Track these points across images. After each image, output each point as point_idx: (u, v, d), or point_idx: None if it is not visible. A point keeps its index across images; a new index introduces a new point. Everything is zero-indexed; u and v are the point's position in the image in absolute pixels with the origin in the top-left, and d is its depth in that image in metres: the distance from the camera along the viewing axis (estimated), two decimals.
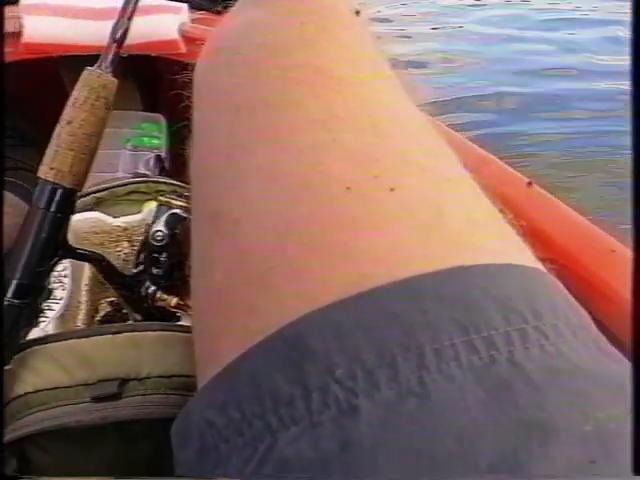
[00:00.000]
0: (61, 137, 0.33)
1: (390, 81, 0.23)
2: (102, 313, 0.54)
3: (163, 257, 0.43)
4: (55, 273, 0.46)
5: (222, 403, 0.18)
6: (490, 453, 0.14)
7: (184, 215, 0.42)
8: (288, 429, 0.16)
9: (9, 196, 0.68)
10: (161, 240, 0.42)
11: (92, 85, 0.34)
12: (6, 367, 0.34)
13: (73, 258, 0.37)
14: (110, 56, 0.35)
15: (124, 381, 0.36)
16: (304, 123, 0.21)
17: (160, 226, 0.42)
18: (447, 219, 0.19)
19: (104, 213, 0.54)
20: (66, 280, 0.48)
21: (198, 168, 0.25)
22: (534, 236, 0.21)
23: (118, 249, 0.54)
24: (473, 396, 0.15)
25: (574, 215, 0.43)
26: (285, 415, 0.16)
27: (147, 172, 0.73)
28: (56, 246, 0.34)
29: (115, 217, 0.54)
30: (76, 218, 0.48)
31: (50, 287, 0.45)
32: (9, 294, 0.32)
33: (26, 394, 0.35)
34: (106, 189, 0.56)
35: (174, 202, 0.43)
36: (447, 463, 0.15)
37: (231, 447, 0.17)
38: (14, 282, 0.33)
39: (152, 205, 0.51)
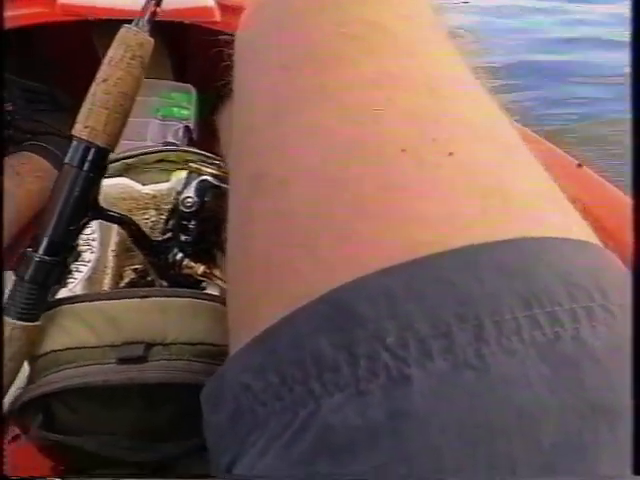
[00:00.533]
0: (96, 95, 0.33)
1: (446, 42, 0.22)
2: (126, 280, 0.54)
3: (192, 224, 0.42)
4: (84, 236, 0.46)
5: (259, 366, 0.17)
6: (553, 432, 0.14)
7: (214, 182, 0.42)
8: (332, 396, 0.16)
9: (40, 160, 0.69)
10: (190, 207, 0.41)
11: (129, 43, 0.33)
12: (35, 323, 0.34)
13: (104, 219, 0.37)
14: (147, 15, 0.35)
15: (149, 345, 0.36)
16: (356, 81, 0.19)
17: (190, 193, 0.42)
18: (508, 188, 0.18)
19: (133, 180, 0.53)
20: (94, 244, 0.48)
21: (239, 129, 0.24)
22: (585, 219, 0.20)
23: (145, 217, 0.54)
24: (536, 372, 0.14)
25: (623, 198, 0.41)
26: (329, 381, 0.16)
27: (175, 142, 0.73)
28: (87, 206, 0.34)
29: (144, 185, 0.54)
30: (105, 183, 0.48)
31: (79, 249, 0.45)
32: (41, 251, 0.33)
33: (54, 351, 0.35)
34: (135, 156, 0.55)
35: (204, 169, 0.43)
36: (505, 438, 0.14)
37: (269, 411, 0.17)
38: (45, 239, 0.33)
39: (181, 174, 0.50)
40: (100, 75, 0.33)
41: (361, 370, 0.15)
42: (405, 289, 0.16)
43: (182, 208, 0.42)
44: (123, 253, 0.53)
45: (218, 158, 0.50)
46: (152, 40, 0.35)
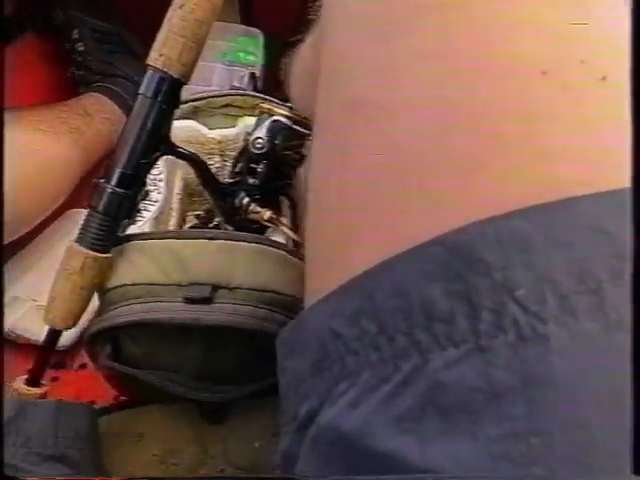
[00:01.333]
0: (172, 21, 0.31)
1: None
2: (189, 225, 0.54)
3: (260, 167, 0.41)
4: (151, 176, 0.46)
5: (353, 312, 0.16)
6: None
7: (287, 124, 0.40)
8: (444, 350, 0.14)
9: (109, 103, 0.69)
10: (261, 148, 0.40)
11: None
12: (106, 255, 0.34)
13: (175, 155, 0.36)
14: None
15: (215, 287, 0.36)
16: None
17: (261, 133, 0.40)
18: None
19: (200, 124, 0.53)
20: (161, 185, 0.48)
21: (330, 52, 0.21)
22: None
23: (210, 162, 0.53)
24: None
25: None
26: (441, 333, 0.14)
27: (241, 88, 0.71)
28: (159, 139, 0.33)
29: (210, 129, 0.53)
30: (174, 125, 0.48)
31: (147, 189, 0.45)
32: (113, 182, 0.32)
33: (124, 286, 0.35)
34: (204, 98, 0.54)
35: (276, 110, 0.41)
36: None
37: (361, 361, 0.15)
38: (118, 171, 0.32)
39: (247, 120, 0.49)
40: (177, 1, 0.31)
41: (483, 324, 0.14)
42: (545, 235, 0.14)
43: (252, 150, 0.41)
44: (187, 198, 0.53)
45: (287, 103, 0.48)
46: None
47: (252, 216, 0.41)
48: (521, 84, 0.15)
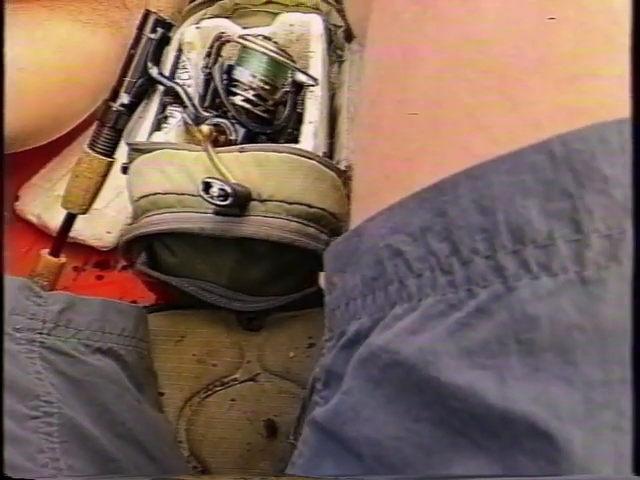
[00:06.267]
0: None
1: None
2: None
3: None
4: (180, 81, 0.43)
5: (420, 229, 0.14)
6: None
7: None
8: (537, 279, 0.12)
9: None
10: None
11: None
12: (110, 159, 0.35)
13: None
14: None
15: (247, 199, 0.35)
16: None
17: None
18: None
19: (234, 23, 0.49)
20: (190, 90, 0.46)
21: None
22: None
23: None
24: None
25: None
26: (533, 259, 0.12)
27: None
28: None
29: (245, 27, 0.49)
30: (205, 24, 0.45)
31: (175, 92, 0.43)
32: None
33: (156, 194, 0.35)
34: None
35: (322, 5, 0.37)
36: None
37: (426, 284, 0.14)
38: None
39: (285, 17, 0.45)
40: None
41: (591, 251, 0.11)
42: None
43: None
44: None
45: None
46: None
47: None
48: None
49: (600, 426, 0.11)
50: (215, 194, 0.31)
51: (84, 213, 0.40)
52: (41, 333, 0.30)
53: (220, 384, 0.40)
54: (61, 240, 0.41)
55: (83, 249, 0.52)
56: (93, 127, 0.39)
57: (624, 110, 0.11)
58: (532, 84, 0.13)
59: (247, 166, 0.35)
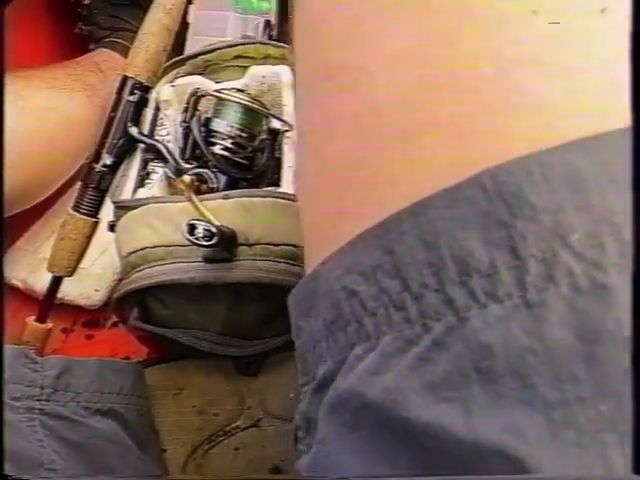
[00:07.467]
0: None
1: None
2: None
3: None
4: (159, 137, 0.45)
5: (371, 268, 0.14)
6: None
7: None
8: (485, 307, 0.12)
9: (119, 58, 0.68)
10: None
11: None
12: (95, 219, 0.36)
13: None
14: None
15: (234, 245, 0.35)
16: None
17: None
18: None
19: (207, 78, 0.51)
20: (170, 145, 0.47)
21: (304, 14, 0.19)
22: None
23: None
24: None
25: None
26: (480, 288, 0.12)
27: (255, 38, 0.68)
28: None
29: (217, 82, 0.51)
30: (180, 82, 0.46)
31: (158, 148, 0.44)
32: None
33: (145, 249, 0.36)
34: (213, 50, 0.52)
35: (289, 56, 0.39)
36: None
37: (381, 322, 0.14)
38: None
39: (255, 70, 0.47)
40: None
41: (531, 276, 0.12)
42: (600, 171, 0.12)
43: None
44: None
45: None
46: None
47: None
48: (506, 27, 0.13)
49: (564, 445, 0.11)
50: (200, 235, 0.32)
51: (70, 275, 0.40)
52: (40, 400, 0.30)
53: (223, 434, 0.40)
54: (48, 304, 0.41)
55: (71, 309, 0.52)
56: (75, 188, 0.40)
57: (507, 156, 0.13)
58: (426, 142, 0.14)
59: (232, 212, 0.35)
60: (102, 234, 0.39)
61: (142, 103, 0.39)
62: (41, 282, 0.49)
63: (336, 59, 0.17)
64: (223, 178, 0.39)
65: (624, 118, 0.12)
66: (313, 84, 0.19)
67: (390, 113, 0.15)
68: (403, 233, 0.14)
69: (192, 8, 0.64)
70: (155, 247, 0.36)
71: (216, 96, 0.40)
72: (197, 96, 0.41)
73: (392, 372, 0.14)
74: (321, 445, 0.16)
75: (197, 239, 0.32)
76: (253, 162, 0.42)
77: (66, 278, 0.40)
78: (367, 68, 0.16)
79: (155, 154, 0.39)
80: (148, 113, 0.43)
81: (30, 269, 0.53)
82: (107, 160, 0.38)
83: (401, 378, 0.13)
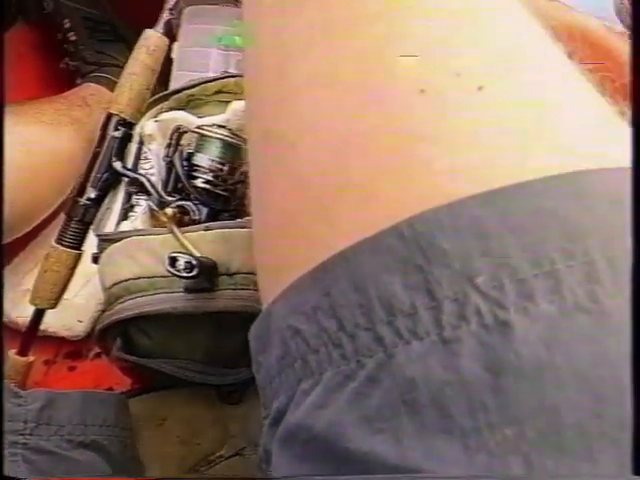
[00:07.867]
0: None
1: None
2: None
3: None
4: (143, 170, 0.46)
5: (311, 309, 0.16)
6: None
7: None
8: (408, 344, 0.14)
9: (105, 92, 0.69)
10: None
11: None
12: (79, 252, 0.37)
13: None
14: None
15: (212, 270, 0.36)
16: (362, 15, 0.16)
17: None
18: (550, 124, 0.15)
19: (190, 113, 0.53)
20: (153, 179, 0.49)
21: (248, 82, 0.21)
22: None
23: None
24: None
25: None
26: (403, 327, 0.14)
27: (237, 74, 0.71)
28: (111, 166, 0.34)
29: (199, 117, 0.53)
30: (163, 117, 0.48)
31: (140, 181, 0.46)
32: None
33: (127, 280, 0.36)
34: (194, 86, 0.54)
35: None
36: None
37: (323, 359, 0.15)
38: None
39: (237, 105, 0.48)
40: None
41: (445, 315, 0.13)
42: (499, 220, 0.13)
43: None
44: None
45: None
46: None
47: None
48: (400, 105, 0.15)
49: (477, 469, 0.12)
50: (181, 267, 0.33)
51: (53, 307, 0.40)
52: (23, 434, 0.30)
53: (206, 463, 0.40)
54: (30, 337, 0.41)
55: (53, 341, 0.52)
56: (58, 220, 0.41)
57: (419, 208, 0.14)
58: (341, 202, 0.16)
59: (213, 243, 0.36)
60: (85, 265, 0.40)
61: (126, 139, 0.40)
62: (24, 314, 0.49)
63: (269, 128, 0.18)
64: (205, 210, 0.40)
65: (510, 177, 0.14)
66: (254, 150, 0.20)
67: (308, 184, 0.16)
68: (337, 276, 0.15)
69: (176, 45, 0.66)
70: (138, 279, 0.36)
71: (198, 133, 0.42)
72: (180, 132, 0.43)
73: (334, 406, 0.15)
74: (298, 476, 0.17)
75: (178, 271, 0.33)
76: (234, 194, 0.43)
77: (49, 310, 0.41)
78: (292, 138, 0.17)
79: (139, 187, 0.40)
80: (132, 147, 0.44)
81: (12, 301, 0.53)
82: (91, 194, 0.39)
83: (341, 411, 0.14)
